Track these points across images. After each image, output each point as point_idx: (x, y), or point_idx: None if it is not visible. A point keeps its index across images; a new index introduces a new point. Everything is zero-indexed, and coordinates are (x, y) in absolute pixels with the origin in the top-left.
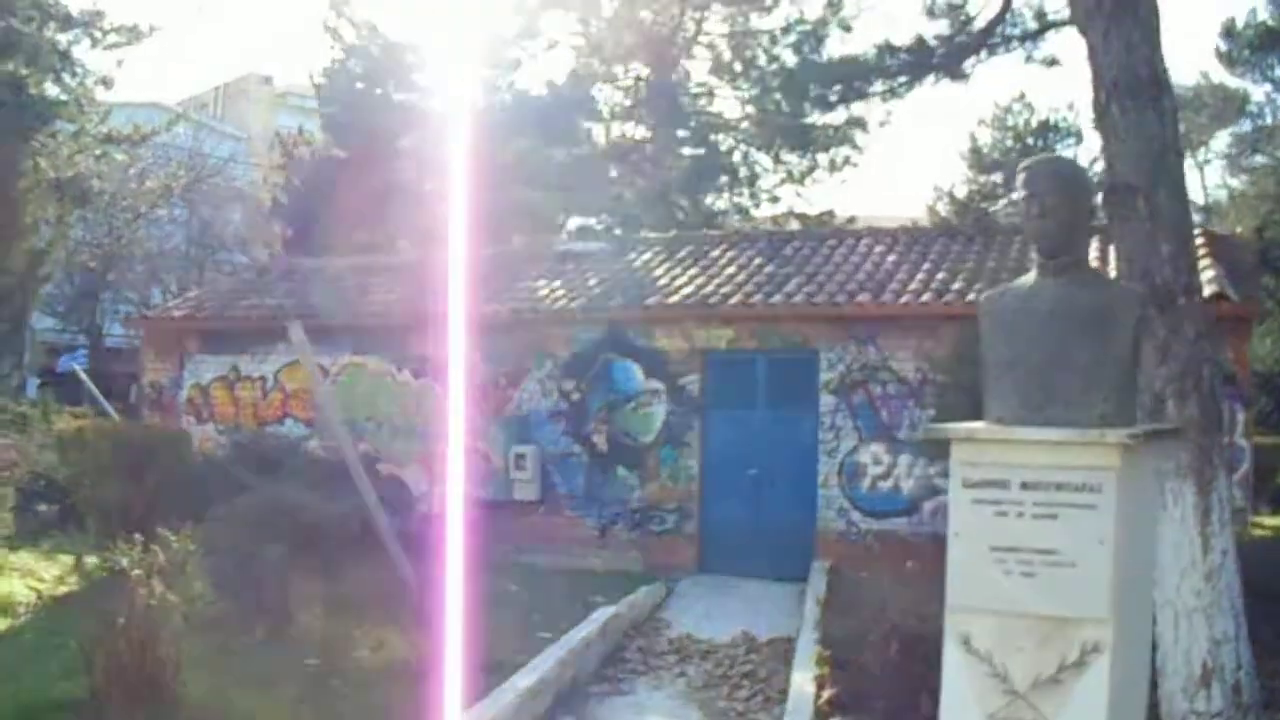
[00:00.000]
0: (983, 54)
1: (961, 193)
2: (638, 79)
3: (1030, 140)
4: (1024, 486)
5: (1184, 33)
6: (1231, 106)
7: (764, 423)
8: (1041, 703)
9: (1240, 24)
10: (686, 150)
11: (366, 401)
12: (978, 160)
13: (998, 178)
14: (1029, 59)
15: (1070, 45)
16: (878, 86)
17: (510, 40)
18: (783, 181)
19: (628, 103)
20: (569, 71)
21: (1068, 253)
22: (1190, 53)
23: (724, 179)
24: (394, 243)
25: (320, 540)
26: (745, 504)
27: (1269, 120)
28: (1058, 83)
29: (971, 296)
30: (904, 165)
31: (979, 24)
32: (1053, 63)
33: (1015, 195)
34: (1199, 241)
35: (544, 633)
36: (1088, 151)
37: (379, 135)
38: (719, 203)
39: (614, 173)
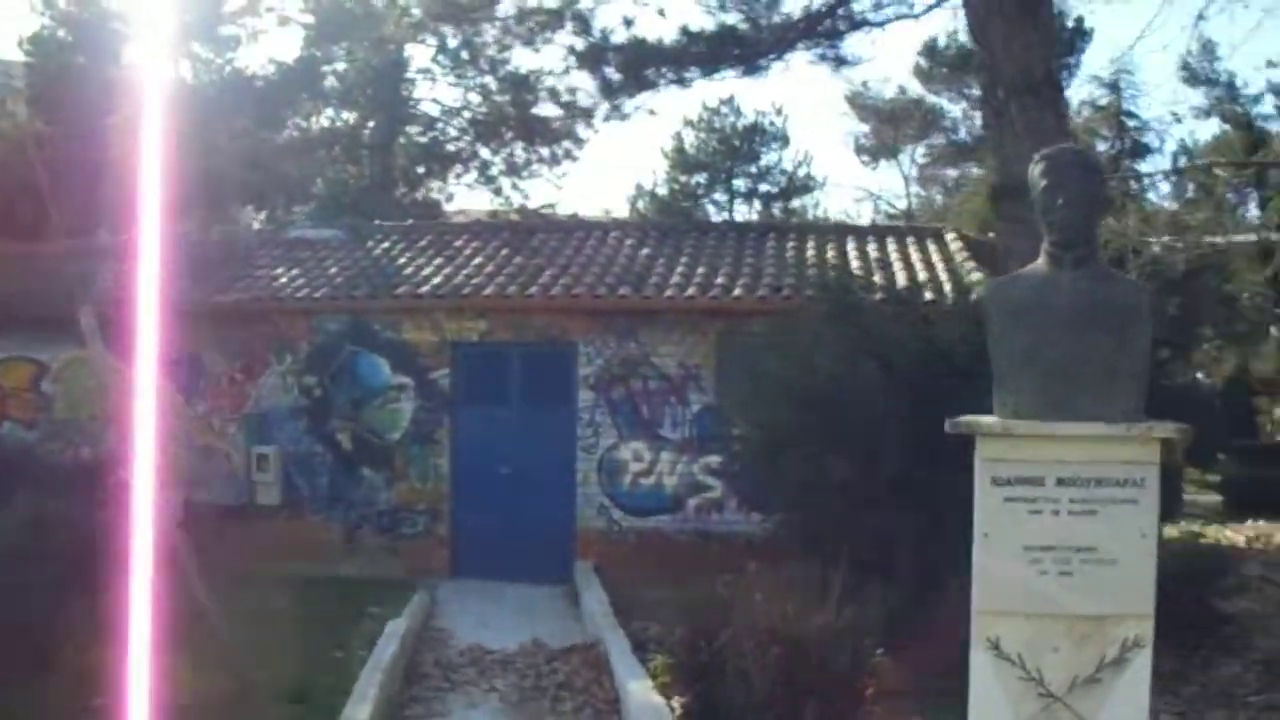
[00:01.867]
0: (784, 50)
1: (664, 192)
2: (358, 61)
3: (737, 143)
4: (1060, 483)
5: (887, 48)
6: (929, 121)
7: (519, 419)
8: (1079, 703)
9: (942, 43)
10: (408, 137)
11: (91, 400)
12: (682, 160)
13: (701, 178)
14: (823, 58)
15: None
16: (669, 75)
17: (230, 16)
18: (502, 173)
19: (349, 86)
20: (295, 54)
21: (1086, 245)
22: (892, 67)
23: (446, 168)
24: (109, 225)
25: (96, 559)
26: (500, 504)
27: (963, 135)
28: (766, 88)
29: (738, 292)
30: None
31: (776, 18)
32: (843, 62)
33: (1043, 183)
34: (958, 247)
35: (337, 651)
36: (790, 157)
37: (89, 110)
38: (442, 191)
39: (333, 158)
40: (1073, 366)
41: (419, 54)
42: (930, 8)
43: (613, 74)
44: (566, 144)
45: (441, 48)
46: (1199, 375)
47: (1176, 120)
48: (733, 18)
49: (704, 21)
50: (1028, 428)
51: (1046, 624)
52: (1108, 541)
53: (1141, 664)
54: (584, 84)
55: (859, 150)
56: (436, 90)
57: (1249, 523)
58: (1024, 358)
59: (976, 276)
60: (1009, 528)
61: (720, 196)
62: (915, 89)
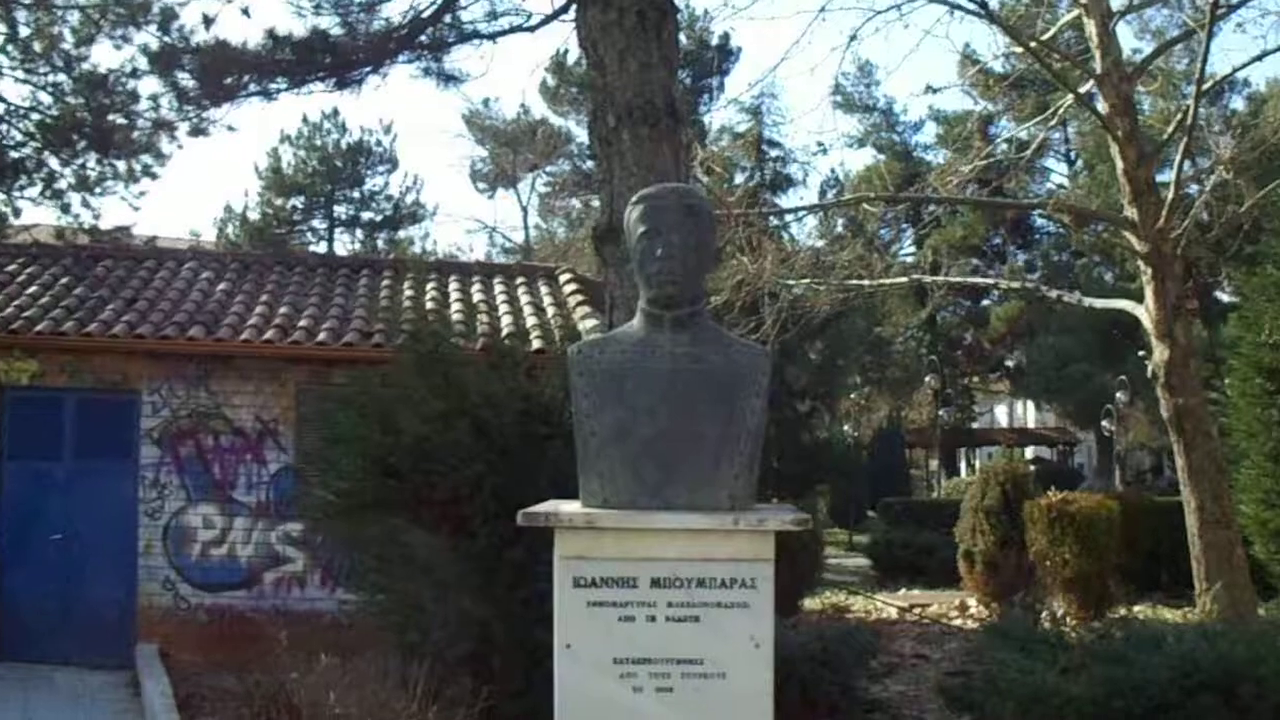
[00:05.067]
0: (383, 62)
1: (256, 216)
2: None
3: (339, 164)
4: (656, 584)
5: (508, 63)
6: (551, 145)
7: (73, 477)
8: None
9: (571, 59)
10: None
11: None
12: (278, 181)
13: (299, 202)
14: (428, 72)
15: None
16: (251, 86)
17: None
18: (72, 187)
19: None
20: None
21: (692, 304)
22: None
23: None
24: None
25: None
26: (51, 575)
27: (589, 163)
28: (374, 102)
29: (322, 336)
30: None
31: (376, 24)
32: (450, 79)
33: (640, 229)
34: (573, 289)
35: None
36: (398, 182)
37: None
38: (8, 204)
39: None
40: (671, 446)
41: None
42: (547, 20)
43: (188, 81)
44: (146, 158)
45: (11, 36)
46: (845, 428)
47: (823, 150)
48: (325, 22)
49: (294, 25)
50: (616, 519)
51: None
52: (715, 652)
53: None
54: (165, 90)
55: (475, 176)
56: (1, 86)
57: (902, 591)
58: (614, 435)
59: (591, 324)
60: (596, 637)
61: (320, 224)
62: (540, 109)
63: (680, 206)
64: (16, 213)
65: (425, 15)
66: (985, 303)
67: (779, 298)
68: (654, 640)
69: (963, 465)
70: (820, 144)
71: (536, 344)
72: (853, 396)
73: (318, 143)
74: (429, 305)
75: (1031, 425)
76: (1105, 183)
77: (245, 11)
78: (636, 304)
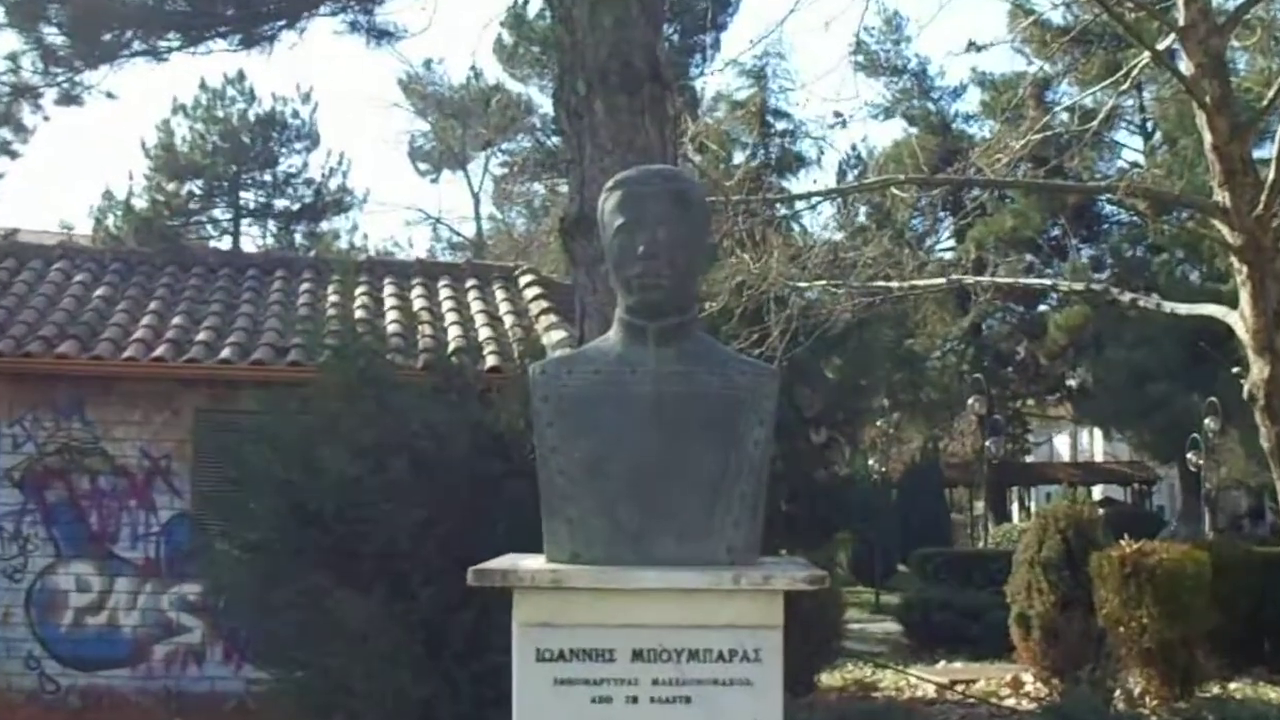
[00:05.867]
0: (301, 13)
1: (143, 204)
2: None
3: (246, 140)
4: (638, 657)
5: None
6: (509, 117)
7: None
8: None
9: (532, 11)
10: None
11: None
12: (170, 162)
13: (196, 186)
14: (355, 27)
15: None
16: (137, 46)
17: None
18: None
19: None
20: None
21: (680, 312)
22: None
23: None
24: None
25: None
26: None
27: (555, 139)
28: (288, 63)
29: (226, 353)
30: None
31: None
32: (382, 34)
33: (617, 222)
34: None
35: None
36: (319, 162)
37: None
38: None
39: None
40: (656, 486)
41: None
42: None
43: (55, 37)
44: (4, 132)
45: None
46: (870, 462)
47: (842, 123)
48: None
49: None
50: (589, 577)
51: None
52: None
53: None
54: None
55: (415, 156)
56: None
57: (941, 664)
58: (587, 473)
59: (558, 336)
60: None
61: (223, 214)
62: (495, 73)
63: (666, 193)
64: None
65: None
66: (1042, 308)
67: (788, 303)
68: None
69: (1015, 508)
70: (838, 115)
71: (491, 361)
72: (880, 424)
73: (219, 114)
74: (358, 314)
75: (1099, 459)
76: (1190, 160)
77: None
78: (613, 312)
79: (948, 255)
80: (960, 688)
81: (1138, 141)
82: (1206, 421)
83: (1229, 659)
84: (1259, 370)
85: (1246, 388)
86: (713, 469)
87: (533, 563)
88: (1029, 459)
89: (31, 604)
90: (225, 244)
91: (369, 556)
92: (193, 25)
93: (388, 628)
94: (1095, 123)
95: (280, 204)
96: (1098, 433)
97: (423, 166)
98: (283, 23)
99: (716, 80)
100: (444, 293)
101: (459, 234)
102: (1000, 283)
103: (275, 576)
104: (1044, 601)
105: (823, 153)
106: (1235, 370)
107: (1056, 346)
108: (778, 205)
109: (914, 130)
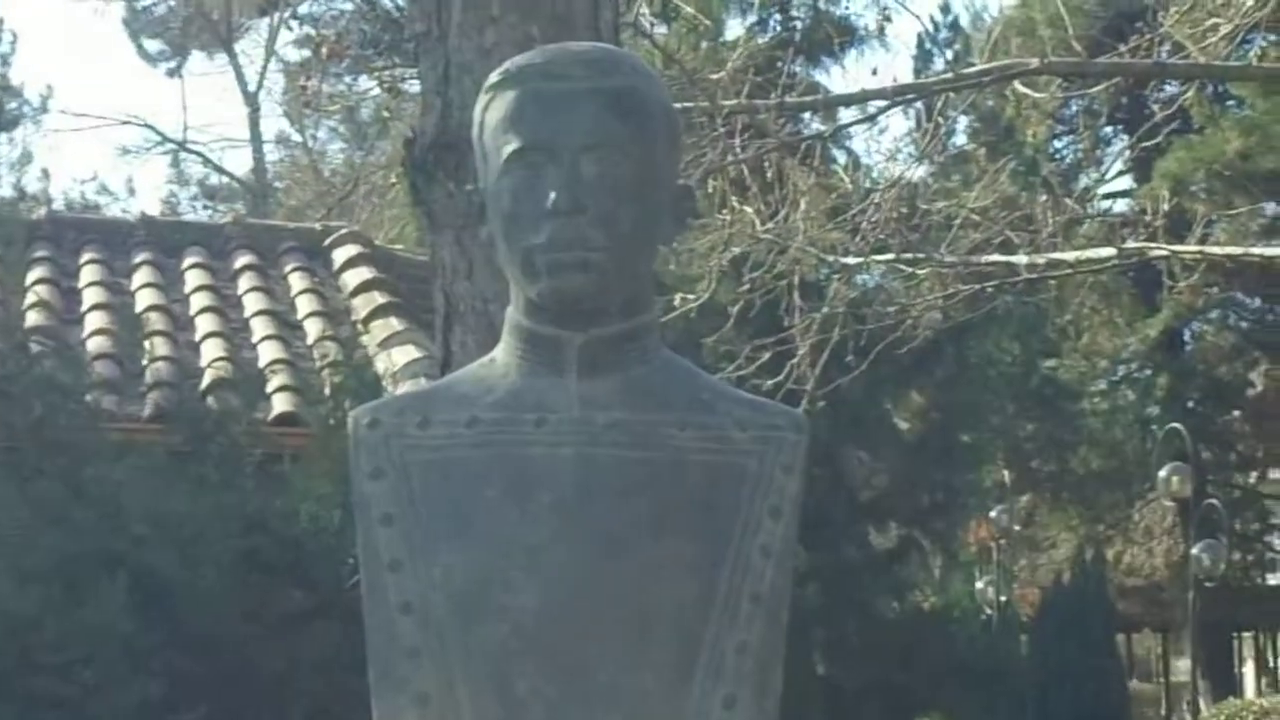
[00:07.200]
0: None
1: None
2: None
3: None
4: None
5: None
6: None
7: None
8: None
9: None
10: None
11: None
12: None
13: None
14: None
15: None
16: None
17: None
18: None
19: None
20: None
21: (624, 314)
22: None
23: None
24: None
25: None
26: None
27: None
28: None
29: None
30: None
31: None
32: None
33: (509, 147)
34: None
35: None
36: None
37: None
38: None
39: None
40: (584, 635)
41: None
42: None
43: None
44: None
45: None
46: (980, 585)
47: None
48: None
49: None
50: None
51: None
52: None
53: None
54: None
55: (139, 29)
56: None
57: None
58: (455, 613)
59: (405, 357)
60: None
61: None
62: None
63: (598, 92)
64: None
65: None
66: None
67: (827, 294)
68: None
69: (1248, 668)
70: None
71: (281, 405)
72: (993, 515)
73: None
74: (31, 319)
75: None
76: None
77: None
78: (500, 313)
79: (1119, 206)
80: None
81: None
82: None
83: None
84: None
85: None
86: (686, 602)
87: None
88: (1273, 580)
89: None
90: None
91: None
92: None
93: None
94: None
95: None
96: None
97: (154, 48)
98: None
99: None
100: (192, 277)
101: (222, 170)
102: (1218, 254)
103: None
104: None
105: (889, 19)
106: None
107: None
108: (806, 117)
109: None
